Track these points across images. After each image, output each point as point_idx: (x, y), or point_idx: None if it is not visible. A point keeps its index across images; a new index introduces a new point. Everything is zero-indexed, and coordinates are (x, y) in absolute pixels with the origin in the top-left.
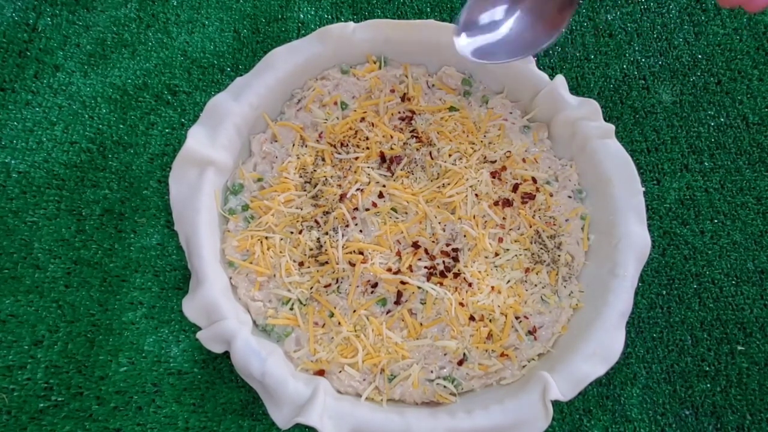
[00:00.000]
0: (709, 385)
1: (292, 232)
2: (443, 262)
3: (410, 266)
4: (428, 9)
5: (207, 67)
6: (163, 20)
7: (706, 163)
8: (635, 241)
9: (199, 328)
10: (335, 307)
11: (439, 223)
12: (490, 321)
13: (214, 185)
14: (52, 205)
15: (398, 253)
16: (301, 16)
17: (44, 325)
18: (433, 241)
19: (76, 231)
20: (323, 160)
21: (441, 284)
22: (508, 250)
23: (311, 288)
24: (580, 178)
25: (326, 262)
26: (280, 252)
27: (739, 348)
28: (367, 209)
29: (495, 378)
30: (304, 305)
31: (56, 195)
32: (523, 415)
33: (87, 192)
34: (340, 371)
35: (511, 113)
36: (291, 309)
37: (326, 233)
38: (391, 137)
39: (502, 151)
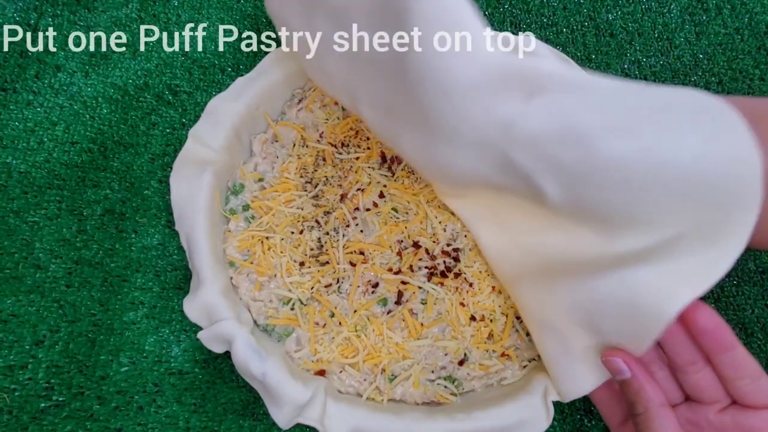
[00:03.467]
0: None
1: (292, 232)
2: (444, 262)
3: (411, 266)
4: None
5: (208, 67)
6: (164, 20)
7: None
8: None
9: (200, 328)
10: (336, 307)
11: (440, 223)
12: (491, 321)
13: (214, 185)
14: (53, 205)
15: (399, 253)
16: None
17: (45, 325)
18: (434, 241)
19: (77, 231)
20: (324, 160)
21: (442, 284)
22: None
23: (312, 288)
24: None
25: (327, 262)
26: (281, 252)
27: None
28: (368, 209)
29: (496, 378)
30: (305, 305)
31: (57, 195)
32: (524, 416)
33: (88, 192)
34: (341, 371)
35: None
36: (292, 309)
37: (327, 233)
38: None
39: None
